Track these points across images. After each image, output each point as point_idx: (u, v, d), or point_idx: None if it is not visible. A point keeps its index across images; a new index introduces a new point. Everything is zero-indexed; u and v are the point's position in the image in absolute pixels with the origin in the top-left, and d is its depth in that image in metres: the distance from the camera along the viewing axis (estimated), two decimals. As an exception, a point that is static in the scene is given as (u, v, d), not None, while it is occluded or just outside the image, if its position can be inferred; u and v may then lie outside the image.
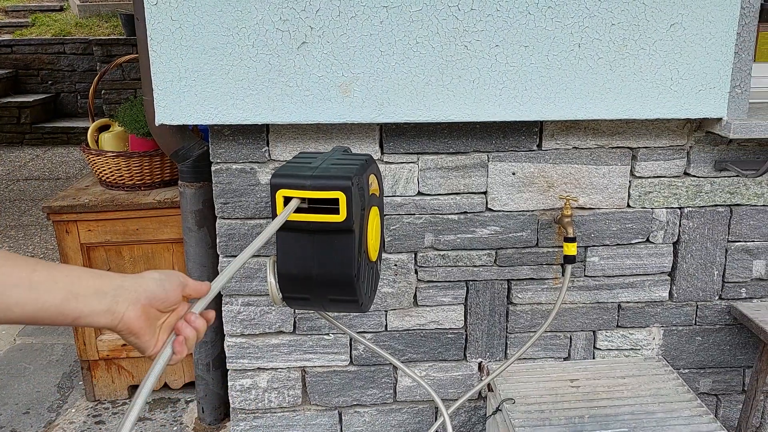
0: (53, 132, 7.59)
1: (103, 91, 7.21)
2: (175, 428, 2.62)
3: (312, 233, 1.29)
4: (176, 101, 1.92)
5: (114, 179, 2.68)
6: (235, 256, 2.13)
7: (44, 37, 8.18)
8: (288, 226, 1.28)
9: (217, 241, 2.13)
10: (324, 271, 1.32)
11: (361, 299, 1.37)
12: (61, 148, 7.40)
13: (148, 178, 2.69)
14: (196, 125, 2.58)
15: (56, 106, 8.04)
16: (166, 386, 2.83)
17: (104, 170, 2.68)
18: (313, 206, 1.29)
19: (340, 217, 1.28)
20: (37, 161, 6.84)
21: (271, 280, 1.38)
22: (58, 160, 6.89)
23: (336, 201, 1.27)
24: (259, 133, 2.05)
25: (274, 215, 1.30)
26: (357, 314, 2.21)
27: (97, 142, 2.78)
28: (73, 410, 2.75)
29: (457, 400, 2.29)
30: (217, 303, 2.32)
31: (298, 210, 1.29)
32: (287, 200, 1.29)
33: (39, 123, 7.64)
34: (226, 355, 2.24)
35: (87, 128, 2.80)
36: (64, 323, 0.82)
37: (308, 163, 1.37)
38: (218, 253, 2.15)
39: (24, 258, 0.81)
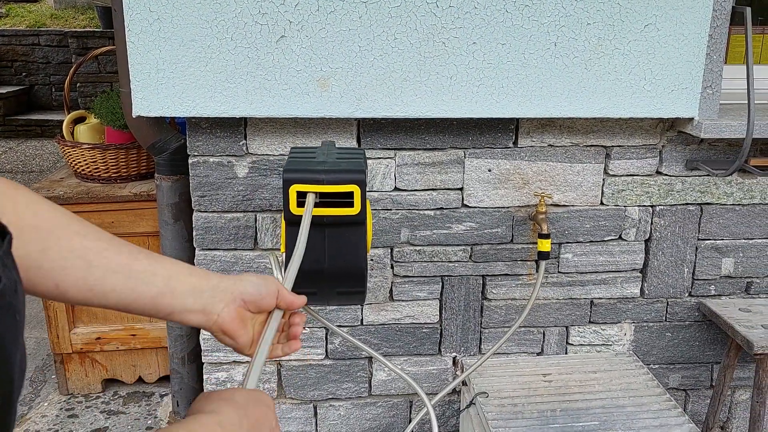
0: (27, 125, 7.49)
1: (78, 84, 7.12)
2: (149, 422, 2.61)
3: (324, 227, 1.30)
4: (154, 93, 1.92)
5: (89, 172, 2.66)
6: (212, 249, 2.13)
7: (18, 28, 8.06)
8: (299, 222, 1.28)
9: (194, 234, 2.13)
10: (336, 264, 1.32)
11: (366, 290, 1.39)
12: (34, 141, 7.30)
13: (124, 170, 2.67)
14: (173, 118, 2.57)
15: (30, 98, 7.93)
16: (140, 380, 2.82)
17: (79, 162, 2.66)
18: (327, 200, 1.29)
19: (355, 210, 1.29)
20: (10, 154, 6.74)
21: (279, 276, 1.38)
22: (31, 153, 6.80)
23: (351, 194, 1.28)
24: (236, 127, 2.05)
25: (286, 210, 1.30)
26: (333, 308, 2.22)
27: (72, 134, 2.76)
28: (46, 404, 2.73)
29: (433, 394, 2.31)
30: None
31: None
32: (300, 195, 1.29)
33: (12, 115, 7.53)
34: (202, 348, 2.24)
35: (62, 121, 2.78)
36: (157, 316, 0.81)
37: (312, 158, 1.37)
38: (195, 246, 2.14)
39: (129, 245, 0.79)
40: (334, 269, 1.33)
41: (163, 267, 0.81)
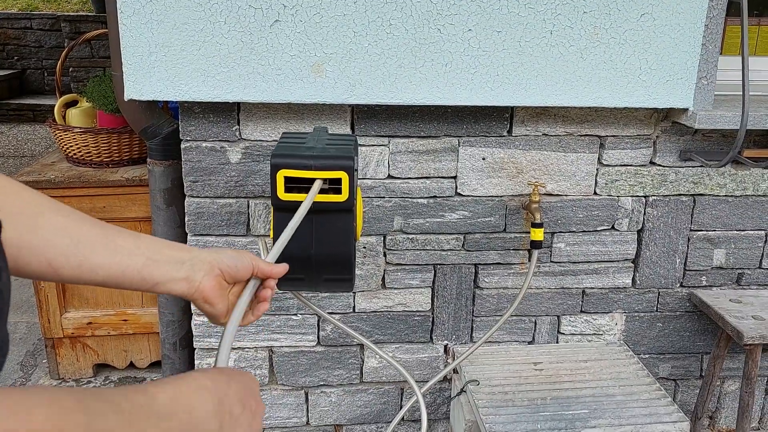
0: (19, 109, 7.43)
1: (70, 68, 7.06)
2: (139, 407, 2.60)
3: (312, 214, 1.29)
4: (146, 76, 1.90)
5: (81, 156, 2.64)
6: (204, 235, 2.12)
7: (10, 11, 7.98)
8: (288, 207, 1.27)
9: (186, 219, 2.12)
10: (323, 250, 1.32)
11: (354, 278, 1.38)
12: (26, 126, 7.25)
13: (117, 155, 2.65)
14: (166, 102, 2.56)
15: (22, 82, 7.87)
16: (131, 365, 2.81)
17: (71, 146, 2.64)
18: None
19: (343, 196, 1.28)
20: (2, 138, 6.70)
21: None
22: (23, 137, 6.76)
23: (339, 181, 1.27)
24: (229, 112, 2.04)
25: (273, 195, 1.29)
26: (325, 295, 2.22)
27: (64, 117, 2.73)
28: (36, 388, 2.72)
29: (424, 382, 2.31)
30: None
31: (297, 191, 1.28)
32: (288, 180, 1.28)
33: (4, 99, 7.47)
34: (193, 334, 2.23)
35: (54, 105, 2.76)
36: (143, 288, 0.86)
37: (302, 143, 1.36)
38: (186, 231, 2.13)
39: (109, 225, 0.84)
40: (321, 256, 1.32)
41: (144, 242, 0.86)
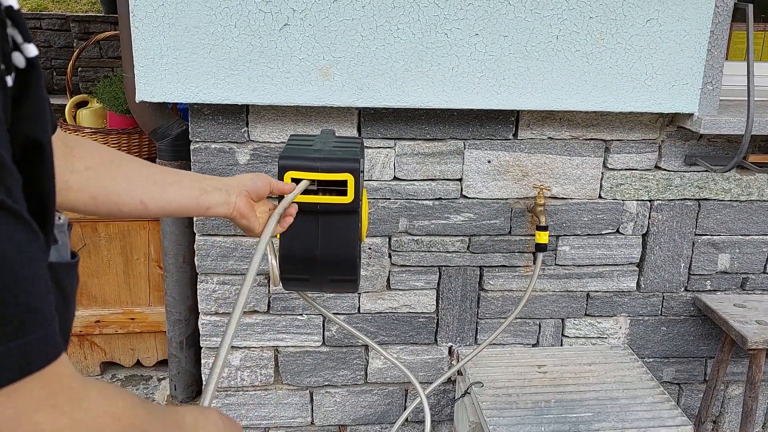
0: (28, 108, 7.46)
1: (80, 69, 7.09)
2: (146, 405, 2.62)
3: (317, 215, 1.31)
4: (157, 78, 1.92)
5: (91, 156, 2.67)
6: (212, 235, 2.14)
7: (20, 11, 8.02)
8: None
9: (194, 219, 2.14)
10: (328, 251, 1.34)
11: (359, 279, 1.40)
12: (35, 125, 7.28)
13: (126, 155, 2.67)
14: (175, 104, 2.58)
15: (32, 81, 7.90)
16: (138, 364, 2.84)
17: (81, 146, 2.66)
18: (322, 188, 1.31)
19: (348, 198, 1.30)
20: (11, 137, 6.73)
21: (273, 261, 1.39)
22: (32, 136, 6.78)
23: (345, 183, 1.29)
24: (238, 114, 2.06)
25: (279, 197, 1.32)
26: (331, 296, 2.24)
27: (75, 118, 2.76)
28: (44, 386, 2.74)
29: (428, 383, 2.33)
30: (192, 281, 2.34)
31: (305, 192, 1.30)
32: (295, 182, 1.30)
33: (13, 98, 7.50)
34: (200, 333, 2.25)
35: (63, 105, 2.78)
36: (198, 213, 1.09)
37: (309, 145, 1.38)
38: (195, 231, 2.16)
39: (165, 167, 1.07)
40: (326, 257, 1.34)
41: (194, 177, 1.09)
